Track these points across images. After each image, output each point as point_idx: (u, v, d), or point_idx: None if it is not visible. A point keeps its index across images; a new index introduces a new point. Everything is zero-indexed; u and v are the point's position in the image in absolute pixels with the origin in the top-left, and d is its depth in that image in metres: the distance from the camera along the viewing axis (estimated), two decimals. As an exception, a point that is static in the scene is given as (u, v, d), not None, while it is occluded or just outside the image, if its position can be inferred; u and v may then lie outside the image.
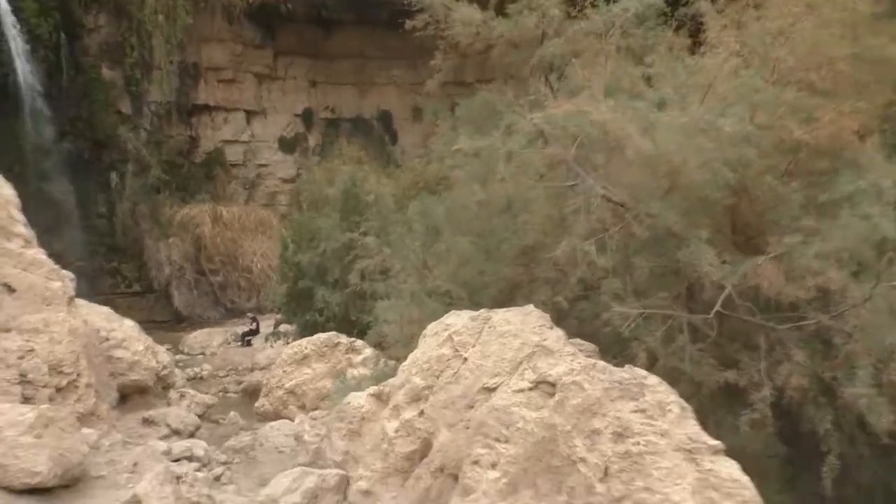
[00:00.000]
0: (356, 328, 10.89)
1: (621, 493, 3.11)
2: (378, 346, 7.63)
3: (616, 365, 3.62)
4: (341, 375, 7.74)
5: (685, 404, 3.40)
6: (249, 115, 26.59)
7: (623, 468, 3.22)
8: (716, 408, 4.10)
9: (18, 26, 20.90)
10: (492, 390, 3.62)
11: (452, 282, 6.44)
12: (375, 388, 4.44)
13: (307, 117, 27.79)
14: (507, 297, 5.62)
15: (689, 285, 4.24)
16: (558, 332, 3.70)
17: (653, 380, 3.40)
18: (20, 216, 6.30)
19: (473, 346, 3.86)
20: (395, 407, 4.09)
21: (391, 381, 4.36)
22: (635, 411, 3.31)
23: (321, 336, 9.96)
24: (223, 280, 23.58)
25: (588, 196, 3.71)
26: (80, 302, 8.89)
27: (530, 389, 3.50)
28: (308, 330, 12.60)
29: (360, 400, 4.41)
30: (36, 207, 22.55)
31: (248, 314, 20.47)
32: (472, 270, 6.11)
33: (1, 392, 5.31)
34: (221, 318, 23.23)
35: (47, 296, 5.92)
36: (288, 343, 12.34)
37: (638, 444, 3.24)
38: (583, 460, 3.33)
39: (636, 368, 3.45)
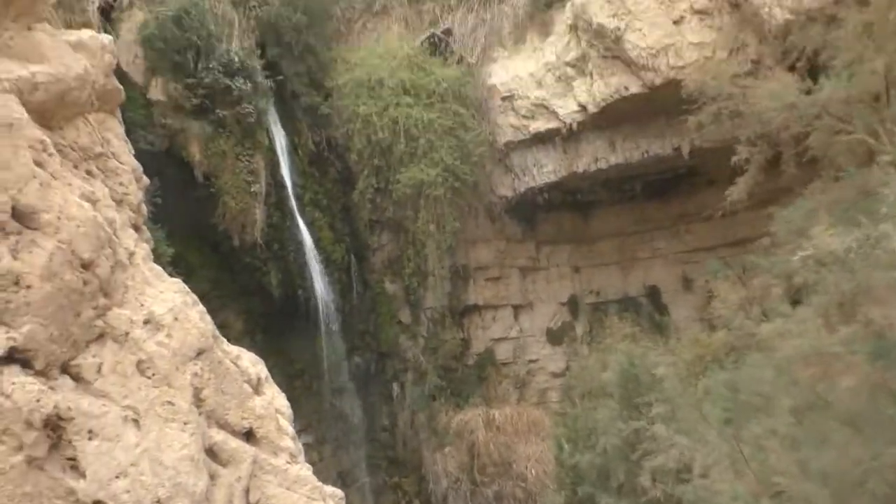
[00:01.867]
0: (653, 545, 8.93)
1: None
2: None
3: None
4: None
5: None
6: (516, 309, 26.69)
7: None
8: None
9: (317, 255, 23.86)
10: None
11: (800, 475, 4.55)
12: None
13: (573, 304, 27.15)
14: (906, 496, 3.66)
15: None
16: None
17: None
18: (290, 429, 5.85)
19: None
20: None
21: None
22: None
23: (608, 557, 8.19)
24: (498, 490, 22.42)
25: None
26: (351, 518, 8.22)
27: None
28: (590, 547, 10.86)
29: None
30: (329, 424, 24.29)
31: (524, 529, 18.88)
32: (831, 456, 4.23)
33: None
34: (498, 533, 21.86)
35: (308, 520, 5.18)
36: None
37: None
38: None
39: None
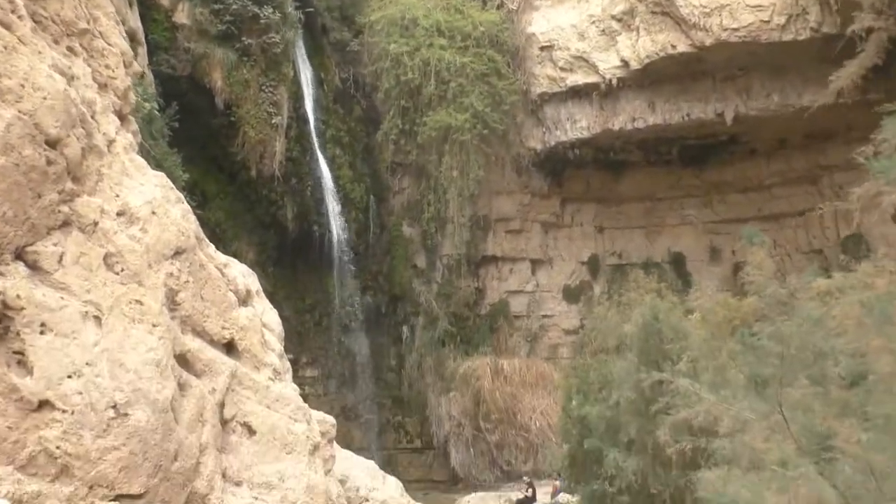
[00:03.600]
0: (657, 504, 8.63)
1: None
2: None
3: None
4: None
5: None
6: (534, 264, 26.15)
7: None
8: None
9: (335, 192, 23.42)
10: None
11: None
12: None
13: (593, 264, 26.53)
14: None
15: None
16: None
17: None
18: (277, 345, 5.42)
19: None
20: None
21: None
22: None
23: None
24: (500, 439, 22.38)
25: None
26: (344, 453, 7.90)
27: None
28: (594, 502, 10.63)
29: None
30: (336, 360, 24.26)
31: (524, 478, 18.80)
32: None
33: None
34: (497, 480, 21.95)
35: (289, 441, 4.80)
36: (568, 516, 10.34)
37: None
38: None
39: None
